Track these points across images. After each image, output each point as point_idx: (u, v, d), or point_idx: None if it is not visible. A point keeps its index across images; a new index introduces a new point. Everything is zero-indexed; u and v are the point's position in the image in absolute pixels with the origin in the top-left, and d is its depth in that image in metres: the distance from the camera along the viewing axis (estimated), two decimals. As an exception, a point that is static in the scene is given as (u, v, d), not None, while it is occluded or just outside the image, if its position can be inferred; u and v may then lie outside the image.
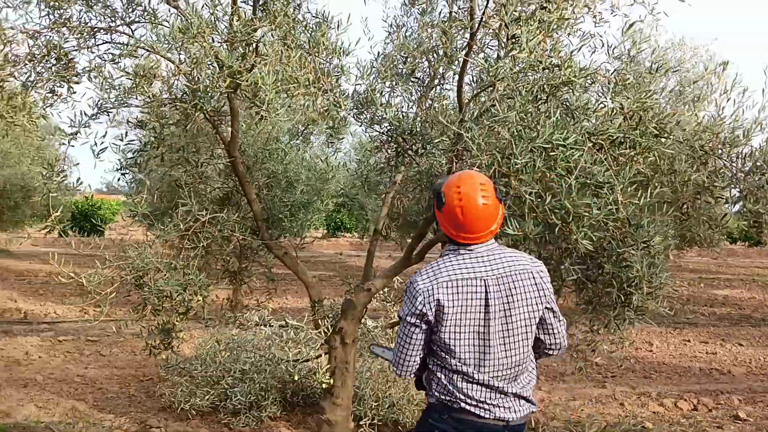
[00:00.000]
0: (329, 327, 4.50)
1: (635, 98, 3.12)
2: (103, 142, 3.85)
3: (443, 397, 2.67)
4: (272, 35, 3.50)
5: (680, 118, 3.46)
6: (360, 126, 4.08)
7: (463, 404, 2.63)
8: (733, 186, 3.36)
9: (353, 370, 5.01)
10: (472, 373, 2.61)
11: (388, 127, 4.07)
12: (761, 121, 3.34)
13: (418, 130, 4.07)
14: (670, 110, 3.36)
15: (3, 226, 18.54)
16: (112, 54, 4.12)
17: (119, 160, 4.10)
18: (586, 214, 2.95)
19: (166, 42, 3.79)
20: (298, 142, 6.88)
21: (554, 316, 2.72)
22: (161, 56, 3.87)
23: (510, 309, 2.60)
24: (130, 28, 4.10)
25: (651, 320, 3.77)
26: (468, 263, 2.62)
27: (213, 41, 3.53)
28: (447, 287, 2.58)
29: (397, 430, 5.64)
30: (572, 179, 2.93)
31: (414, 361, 2.74)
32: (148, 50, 3.91)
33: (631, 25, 3.47)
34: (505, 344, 2.62)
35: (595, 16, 4.26)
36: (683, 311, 12.85)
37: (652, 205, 3.38)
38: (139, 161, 4.09)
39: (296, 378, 5.11)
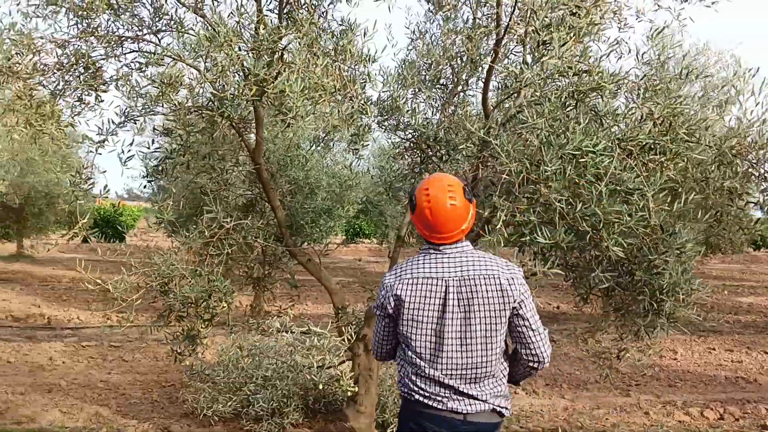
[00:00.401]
0: (353, 334, 4.49)
1: (665, 104, 3.08)
2: (130, 150, 3.88)
3: (403, 389, 2.78)
4: (298, 43, 3.51)
5: (709, 123, 3.41)
6: (384, 132, 4.08)
7: (417, 396, 2.72)
8: (763, 189, 3.30)
9: (377, 378, 4.99)
10: (425, 367, 2.70)
11: (413, 134, 4.06)
12: (789, 123, 3.28)
13: (442, 136, 4.05)
14: (699, 115, 3.31)
15: (27, 233, 18.77)
16: (139, 63, 4.16)
17: (145, 167, 4.13)
18: (617, 220, 2.92)
19: (192, 50, 3.82)
20: (319, 148, 6.90)
21: (527, 326, 2.71)
22: (187, 64, 3.89)
23: (469, 311, 2.65)
24: (156, 36, 4.13)
25: (683, 327, 3.71)
26: (433, 263, 2.72)
27: (239, 49, 3.55)
28: (408, 284, 2.71)
29: (419, 438, 5.60)
30: (602, 186, 2.89)
31: (384, 348, 2.92)
32: (174, 59, 3.94)
33: (659, 31, 3.44)
34: (462, 345, 2.67)
35: (620, 22, 4.23)
36: (708, 319, 12.67)
37: (685, 212, 3.33)
38: (164, 168, 4.11)
39: (320, 386, 5.09)
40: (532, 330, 2.72)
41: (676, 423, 6.54)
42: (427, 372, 2.70)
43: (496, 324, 2.66)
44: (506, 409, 2.75)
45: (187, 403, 6.24)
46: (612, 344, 4.28)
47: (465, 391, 2.68)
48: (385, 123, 4.06)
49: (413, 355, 2.72)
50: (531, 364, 2.77)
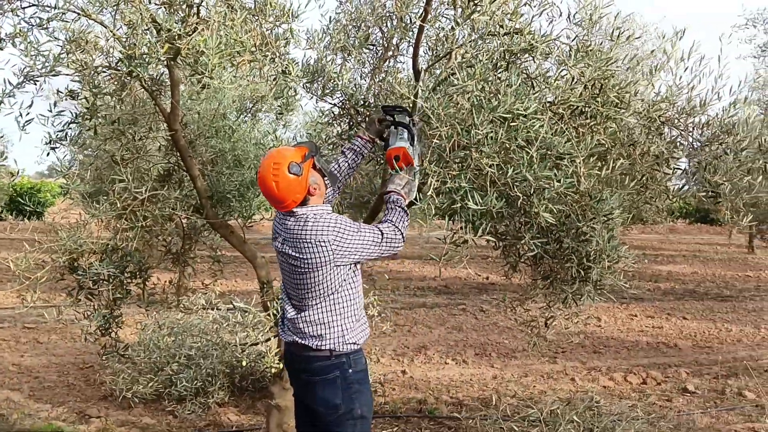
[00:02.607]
0: (279, 309, 4.30)
1: (596, 65, 3.01)
2: (29, 113, 3.53)
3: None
4: (215, -4, 3.26)
5: (638, 88, 3.37)
6: (311, 98, 3.87)
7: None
8: (691, 157, 3.30)
9: (305, 353, 4.84)
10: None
11: (341, 98, 3.88)
12: (718, 89, 3.27)
13: (371, 101, 3.89)
14: (629, 79, 3.26)
15: (-68, 209, 17.62)
16: (40, 18, 3.78)
17: (48, 133, 3.78)
18: (547, 186, 2.84)
19: (99, 4, 3.49)
20: (246, 119, 6.61)
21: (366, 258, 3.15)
22: (93, 20, 3.57)
23: (298, 267, 3.07)
24: (59, -11, 3.76)
25: (609, 295, 3.71)
26: (280, 225, 3.17)
27: (150, 2, 3.27)
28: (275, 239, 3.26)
29: (350, 413, 5.51)
30: (533, 150, 2.80)
31: None
32: (78, 13, 3.60)
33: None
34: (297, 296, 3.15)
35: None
36: (631, 286, 13.09)
37: (612, 178, 3.29)
38: (69, 134, 3.78)
39: (244, 363, 4.91)
40: (374, 258, 3.15)
41: (601, 388, 6.70)
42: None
43: (318, 278, 3.03)
44: (332, 349, 3.08)
45: (106, 385, 5.98)
46: (540, 312, 4.27)
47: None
48: (312, 87, 3.86)
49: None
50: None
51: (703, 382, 6.89)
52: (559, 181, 2.91)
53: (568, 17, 3.24)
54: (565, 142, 2.98)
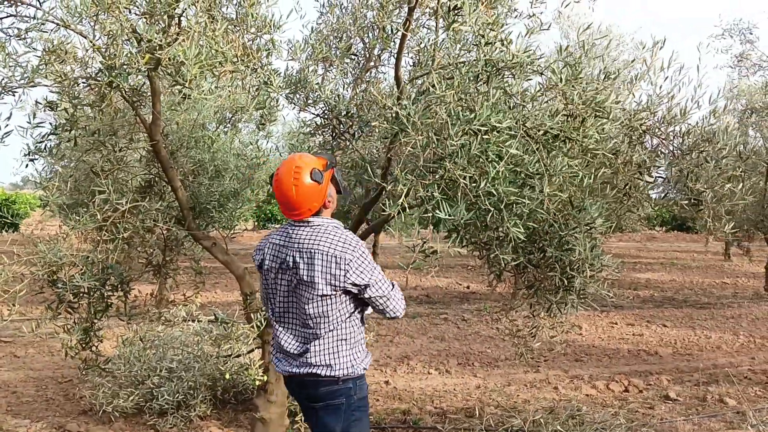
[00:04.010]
0: (262, 320, 4.27)
1: (581, 92, 3.02)
2: (8, 125, 3.48)
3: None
4: (196, 7, 3.24)
5: (619, 98, 3.40)
6: (293, 108, 3.86)
7: None
8: (673, 165, 3.33)
9: (288, 365, 4.81)
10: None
11: (324, 108, 3.87)
12: (698, 98, 3.32)
13: (354, 111, 3.89)
14: (612, 95, 3.29)
15: None
16: (18, 29, 3.74)
17: (27, 144, 3.72)
18: (518, 202, 2.85)
19: (78, 15, 3.45)
20: (226, 129, 6.59)
21: (373, 296, 2.96)
22: (72, 30, 3.53)
23: (305, 280, 2.91)
24: (37, 0, 3.73)
25: (592, 303, 3.73)
26: (284, 236, 3.03)
27: (130, 13, 3.24)
28: (267, 249, 3.11)
29: (334, 425, 5.47)
30: (501, 166, 2.80)
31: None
32: (57, 24, 3.56)
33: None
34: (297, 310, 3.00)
35: (531, -3, 4.18)
36: (611, 295, 13.18)
37: (594, 188, 3.32)
38: (49, 146, 3.73)
39: (227, 376, 4.86)
40: (380, 297, 2.95)
41: (584, 396, 6.72)
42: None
43: (327, 293, 2.88)
44: (339, 377, 2.98)
45: (85, 399, 5.88)
46: (524, 322, 4.28)
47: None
48: (294, 97, 3.84)
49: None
50: (388, 317, 3.05)
51: (685, 389, 6.94)
52: (529, 199, 2.93)
53: (559, 51, 3.25)
54: (535, 162, 2.99)
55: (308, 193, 2.90)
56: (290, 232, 3.00)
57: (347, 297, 2.94)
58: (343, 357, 2.99)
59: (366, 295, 2.93)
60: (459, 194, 2.98)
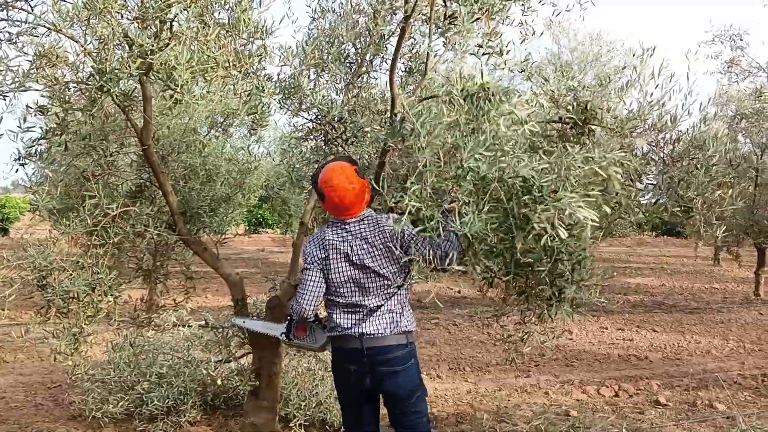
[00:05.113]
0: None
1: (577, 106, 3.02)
2: (-3, 129, 3.46)
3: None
4: (188, 12, 3.23)
5: (611, 105, 3.42)
6: (285, 113, 3.85)
7: None
8: (663, 172, 3.34)
9: (279, 371, 4.80)
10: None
11: (316, 114, 3.87)
12: (688, 105, 3.33)
13: (346, 117, 3.89)
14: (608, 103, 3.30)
15: None
16: (9, 33, 3.72)
17: (17, 149, 3.70)
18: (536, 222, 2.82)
19: (69, 19, 3.44)
20: (217, 133, 6.57)
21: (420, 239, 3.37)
22: (64, 35, 3.52)
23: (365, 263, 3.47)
24: (28, 3, 3.70)
25: (582, 311, 3.73)
26: (340, 231, 3.51)
27: (122, 17, 3.23)
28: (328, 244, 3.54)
29: (324, 430, 5.47)
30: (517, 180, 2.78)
31: (315, 300, 3.66)
32: (49, 28, 3.55)
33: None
34: (360, 289, 3.53)
35: (523, 5, 4.20)
36: (600, 299, 13.21)
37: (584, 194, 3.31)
38: (39, 150, 3.71)
39: (218, 381, 4.84)
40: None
41: (575, 401, 6.73)
42: None
43: (389, 264, 3.45)
44: (407, 332, 3.54)
45: (75, 404, 5.83)
46: (514, 328, 4.28)
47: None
48: (286, 102, 3.84)
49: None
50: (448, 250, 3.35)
51: (675, 394, 6.97)
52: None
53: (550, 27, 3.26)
54: (541, 169, 2.97)
55: (361, 190, 3.43)
56: (347, 228, 3.48)
57: (397, 262, 3.45)
58: (405, 315, 3.53)
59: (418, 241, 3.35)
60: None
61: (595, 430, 5.02)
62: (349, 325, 3.50)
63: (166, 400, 5.41)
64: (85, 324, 3.93)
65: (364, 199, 3.48)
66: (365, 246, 3.43)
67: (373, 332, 3.45)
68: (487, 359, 8.54)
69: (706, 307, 12.87)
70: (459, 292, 14.31)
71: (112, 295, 3.87)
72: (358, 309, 3.50)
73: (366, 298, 3.48)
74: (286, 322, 3.88)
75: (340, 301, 3.52)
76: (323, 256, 3.50)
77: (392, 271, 3.47)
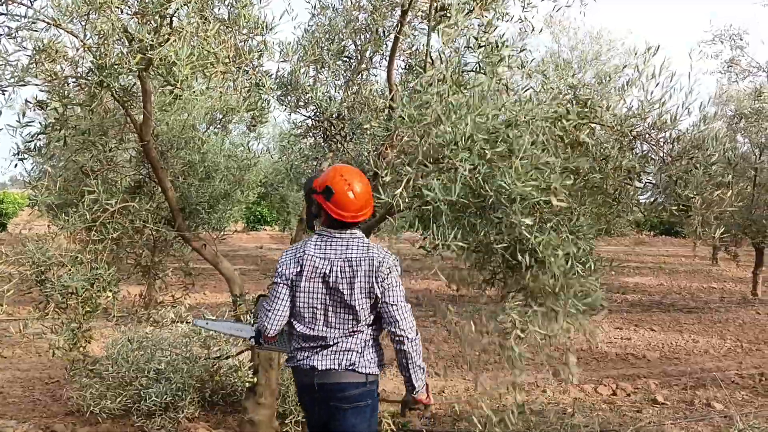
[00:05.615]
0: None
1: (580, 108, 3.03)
2: (-4, 124, 3.46)
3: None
4: (188, 7, 3.23)
5: (610, 103, 3.42)
6: (284, 110, 3.85)
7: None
8: (662, 171, 3.35)
9: (277, 367, 4.80)
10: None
11: (315, 111, 3.87)
12: (688, 105, 3.33)
13: (345, 114, 3.88)
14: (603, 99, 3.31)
15: None
16: (8, 27, 3.72)
17: (16, 144, 3.70)
18: (529, 197, 2.84)
19: (69, 14, 3.44)
20: (216, 130, 6.57)
21: (390, 304, 3.12)
22: (63, 29, 3.51)
23: (347, 287, 3.09)
24: (28, -2, 3.70)
25: (583, 309, 3.73)
26: (323, 246, 3.15)
27: (122, 13, 3.23)
28: (305, 260, 3.15)
29: (322, 427, 5.46)
30: (516, 161, 2.80)
31: (279, 319, 3.24)
32: (48, 23, 3.54)
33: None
34: (333, 314, 3.15)
35: (523, 1, 4.20)
36: (605, 299, 13.22)
37: (584, 192, 3.33)
38: (38, 145, 3.70)
39: (216, 377, 4.84)
40: (398, 309, 3.11)
41: (572, 399, 6.74)
42: None
43: (363, 298, 3.08)
44: (367, 373, 3.17)
45: (72, 400, 5.83)
46: (512, 325, 4.28)
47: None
48: (286, 99, 3.84)
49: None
50: (398, 338, 3.13)
51: (672, 393, 6.98)
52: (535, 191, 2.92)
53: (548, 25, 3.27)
54: (542, 151, 2.98)
55: (371, 193, 3.17)
56: (334, 244, 3.14)
57: (375, 299, 3.12)
58: (367, 354, 3.18)
59: (385, 299, 3.09)
60: (458, 180, 2.97)
61: (593, 428, 5.02)
62: (302, 357, 3.20)
63: (164, 396, 5.40)
64: (83, 320, 3.93)
65: (366, 215, 3.18)
66: (347, 269, 3.08)
67: (325, 367, 3.13)
68: (484, 357, 8.53)
69: (704, 307, 12.88)
70: (457, 290, 14.30)
71: (110, 290, 3.87)
72: (313, 339, 3.17)
73: (326, 330, 3.14)
74: (255, 326, 3.57)
75: (298, 327, 3.19)
76: (296, 271, 3.15)
77: (363, 305, 3.11)
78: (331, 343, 3.13)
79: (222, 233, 5.88)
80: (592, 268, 3.47)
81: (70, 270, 3.76)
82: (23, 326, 4.24)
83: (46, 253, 3.71)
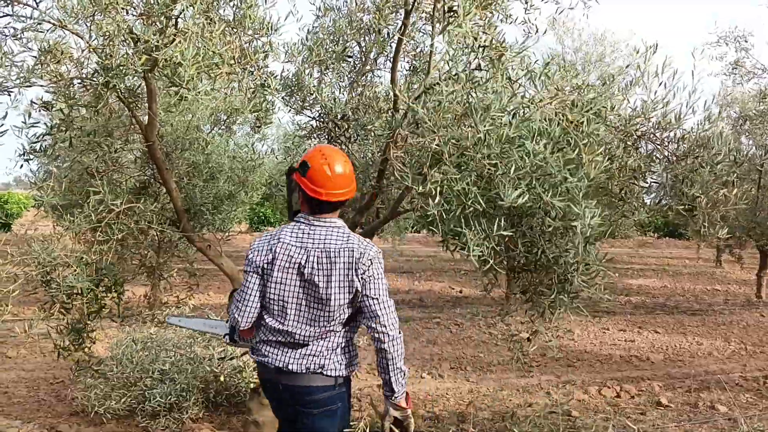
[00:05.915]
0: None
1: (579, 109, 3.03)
2: (2, 125, 3.47)
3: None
4: (194, 8, 3.24)
5: (614, 104, 3.42)
6: (289, 111, 3.86)
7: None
8: (668, 170, 3.35)
9: (281, 368, 4.80)
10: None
11: (320, 111, 3.88)
12: (692, 104, 3.33)
13: (350, 115, 3.89)
14: (604, 97, 3.30)
15: None
16: (14, 28, 3.74)
17: (22, 145, 3.71)
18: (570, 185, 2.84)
19: (75, 15, 3.45)
20: (221, 131, 6.59)
21: (372, 299, 2.90)
22: (69, 30, 3.53)
23: (325, 279, 2.87)
24: None
25: (584, 309, 3.73)
26: (300, 233, 2.93)
27: (127, 14, 3.24)
28: (277, 248, 2.93)
29: (326, 428, 5.47)
30: (550, 147, 2.78)
31: (251, 310, 3.01)
32: (54, 24, 3.56)
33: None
34: (307, 308, 2.93)
35: (526, 2, 4.20)
36: (603, 300, 13.22)
37: (590, 191, 3.32)
38: (44, 146, 3.72)
39: (222, 378, 4.84)
40: (379, 303, 2.88)
41: (576, 402, 6.73)
42: None
43: (340, 293, 2.86)
44: (336, 376, 2.96)
45: (77, 400, 5.85)
46: (517, 328, 4.28)
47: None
48: (290, 100, 3.85)
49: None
50: (378, 335, 2.89)
51: (676, 395, 6.97)
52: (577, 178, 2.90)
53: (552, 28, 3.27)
54: (565, 134, 2.97)
55: (352, 174, 3.01)
56: (311, 232, 2.92)
57: (354, 297, 2.91)
58: (340, 355, 2.98)
59: (366, 292, 2.89)
60: (481, 183, 2.95)
61: (597, 430, 5.02)
62: (267, 353, 3.00)
63: (169, 397, 5.42)
64: (88, 320, 3.94)
65: (351, 187, 2.98)
66: (324, 260, 2.84)
67: (291, 370, 2.93)
68: (488, 359, 8.54)
69: (708, 309, 12.86)
70: (461, 291, 14.31)
71: (115, 291, 3.88)
72: (281, 333, 2.95)
73: (296, 326, 2.92)
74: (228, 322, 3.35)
75: (267, 319, 2.96)
76: (269, 259, 2.91)
77: (340, 301, 2.88)
78: (301, 342, 2.92)
79: (226, 234, 5.87)
80: (597, 267, 3.45)
81: (75, 270, 3.78)
82: (28, 326, 4.25)
83: (52, 254, 3.72)
